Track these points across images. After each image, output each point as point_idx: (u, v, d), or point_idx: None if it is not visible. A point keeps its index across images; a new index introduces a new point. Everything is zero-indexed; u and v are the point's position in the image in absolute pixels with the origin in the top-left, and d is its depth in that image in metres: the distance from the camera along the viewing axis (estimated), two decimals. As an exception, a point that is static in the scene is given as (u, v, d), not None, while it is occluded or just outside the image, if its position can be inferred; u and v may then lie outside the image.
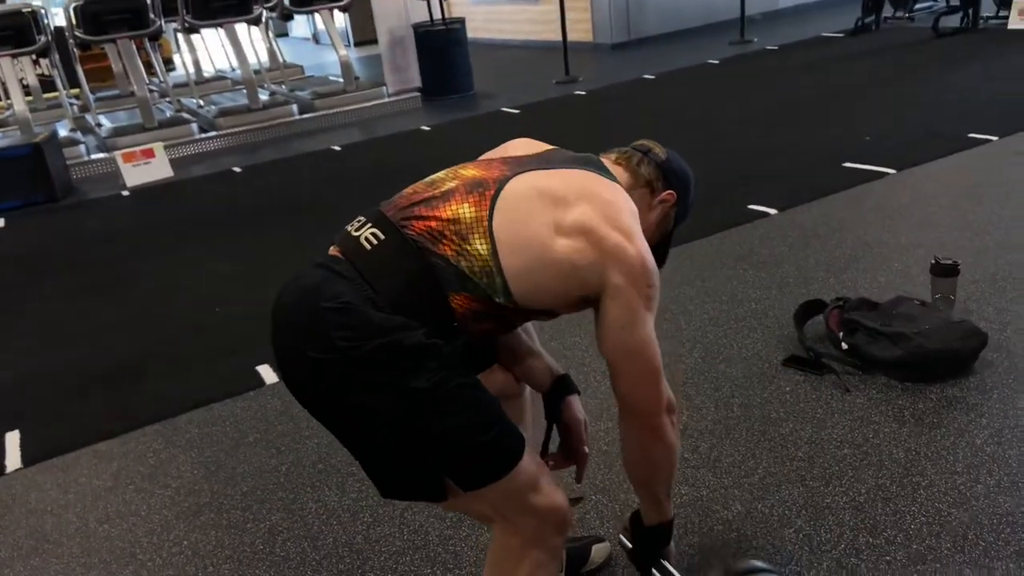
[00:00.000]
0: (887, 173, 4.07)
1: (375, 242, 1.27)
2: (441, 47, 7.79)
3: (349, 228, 1.33)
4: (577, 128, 6.05)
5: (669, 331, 2.76)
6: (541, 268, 1.26)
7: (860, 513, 1.88)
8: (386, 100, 7.72)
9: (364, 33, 10.41)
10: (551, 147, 1.48)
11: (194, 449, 2.50)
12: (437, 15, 7.68)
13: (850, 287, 2.94)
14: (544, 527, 1.31)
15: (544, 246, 1.25)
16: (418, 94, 7.86)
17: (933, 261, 2.64)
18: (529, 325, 1.59)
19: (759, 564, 1.41)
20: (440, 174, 1.38)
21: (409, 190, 1.37)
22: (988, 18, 7.80)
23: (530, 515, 1.29)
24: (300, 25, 14.74)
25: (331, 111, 7.41)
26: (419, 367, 1.19)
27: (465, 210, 1.27)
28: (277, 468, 2.35)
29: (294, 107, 7.43)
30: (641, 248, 1.29)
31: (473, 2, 11.09)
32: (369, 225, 1.30)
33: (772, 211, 3.75)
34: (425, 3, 7.56)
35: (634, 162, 1.47)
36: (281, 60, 9.11)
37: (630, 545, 1.61)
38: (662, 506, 1.49)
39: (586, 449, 1.57)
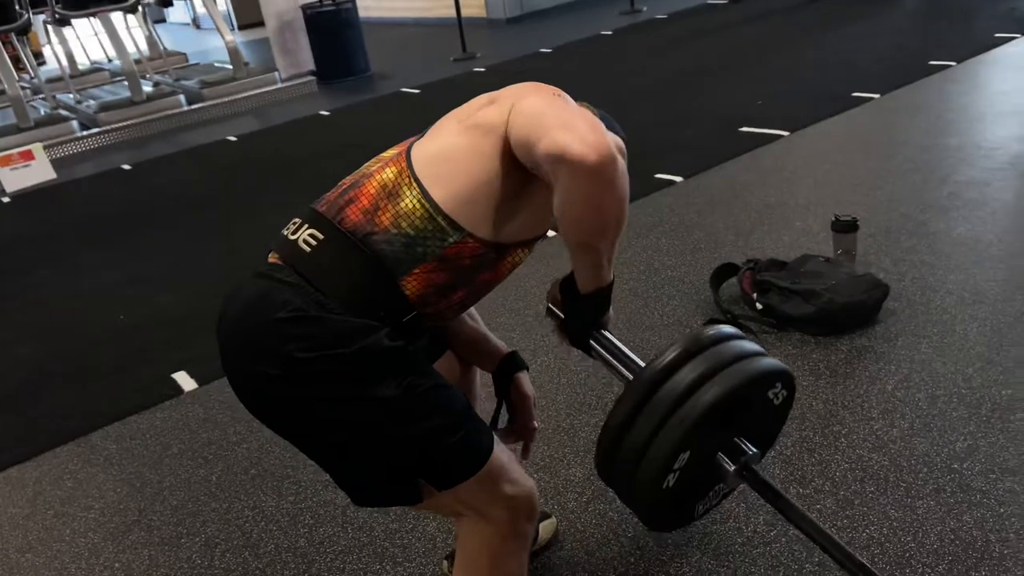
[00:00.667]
0: (781, 135, 4.22)
1: (314, 243, 1.22)
2: (333, 28, 7.59)
3: (286, 232, 1.28)
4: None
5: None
6: (465, 170, 1.18)
7: (789, 466, 1.97)
8: (279, 86, 7.49)
9: (248, 16, 10.04)
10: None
11: (114, 466, 2.39)
12: (326, -5, 7.48)
13: (757, 248, 3.05)
14: (517, 516, 1.31)
15: (456, 149, 1.21)
16: (312, 78, 7.65)
17: (833, 218, 2.76)
18: (472, 309, 1.58)
19: (727, 330, 1.25)
20: (366, 164, 1.35)
21: (341, 183, 1.33)
22: (861, -21, 8.15)
23: (503, 506, 1.29)
24: (178, 10, 14.09)
25: (222, 100, 7.14)
26: (385, 374, 1.16)
27: (388, 173, 1.23)
28: (207, 478, 2.28)
29: (181, 97, 7.12)
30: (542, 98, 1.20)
31: (361, -20, 10.83)
32: (306, 226, 1.25)
33: (678, 179, 3.84)
34: (312, -16, 7.36)
35: None
36: (162, 48, 8.69)
37: (562, 315, 1.40)
38: (603, 269, 1.26)
39: (536, 424, 1.58)
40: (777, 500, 1.23)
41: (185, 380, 2.79)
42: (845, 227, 2.74)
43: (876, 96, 4.61)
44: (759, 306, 2.58)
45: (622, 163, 1.12)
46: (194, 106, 7.05)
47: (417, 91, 6.80)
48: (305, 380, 1.15)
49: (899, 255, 2.85)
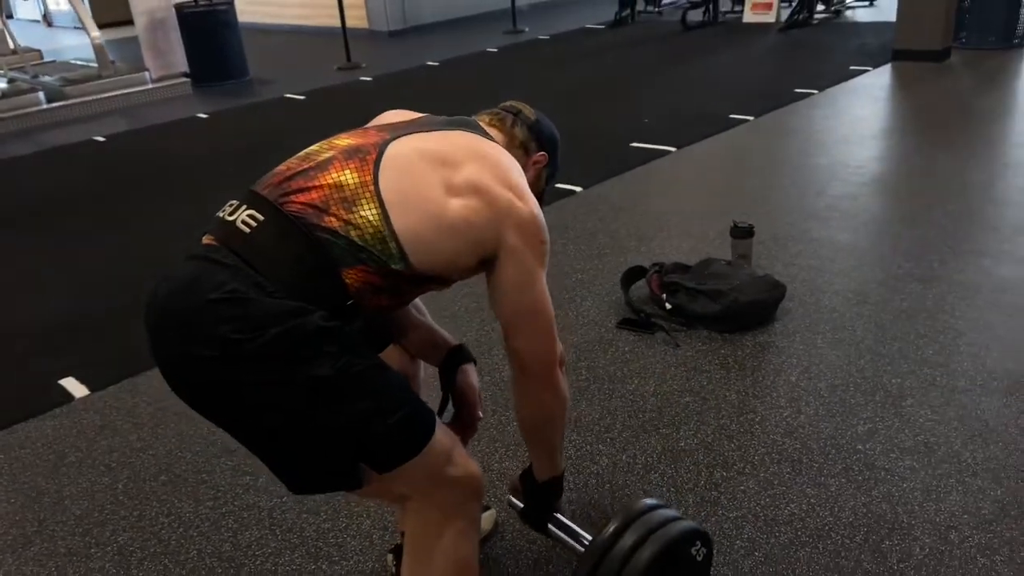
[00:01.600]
0: (669, 151, 4.44)
1: (254, 224, 1.18)
2: (209, 29, 7.32)
3: (221, 214, 1.24)
4: (374, 112, 5.94)
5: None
6: (436, 228, 1.21)
7: (711, 452, 2.07)
8: (150, 86, 7.13)
9: (106, 14, 9.47)
10: (422, 114, 1.47)
11: (3, 477, 2.20)
12: (202, -4, 7.21)
13: (660, 253, 3.19)
14: (463, 496, 1.31)
15: (437, 206, 1.22)
16: (187, 80, 7.33)
17: (732, 225, 2.93)
18: (418, 301, 1.57)
19: (651, 501, 1.48)
20: (312, 147, 1.31)
21: (282, 167, 1.28)
22: (726, 12, 8.71)
23: (448, 487, 1.28)
24: (26, 6, 13.16)
25: (87, 99, 6.72)
26: (320, 354, 1.13)
27: (347, 176, 1.21)
28: (112, 486, 2.13)
29: (40, 95, 6.65)
30: (532, 205, 1.31)
31: (234, -16, 10.49)
32: (244, 207, 1.21)
33: (578, 189, 3.95)
34: (189, -17, 7.07)
35: (508, 124, 1.47)
36: (14, 44, 8.08)
37: (521, 505, 1.62)
38: (554, 460, 1.49)
39: (480, 414, 1.59)
40: None
41: (74, 386, 2.60)
42: (743, 233, 2.91)
43: (751, 118, 4.93)
44: (668, 306, 2.70)
45: (561, 374, 1.40)
46: (55, 104, 6.59)
47: (302, 97, 6.65)
48: (239, 362, 1.11)
49: (788, 259, 3.06)
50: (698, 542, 1.43)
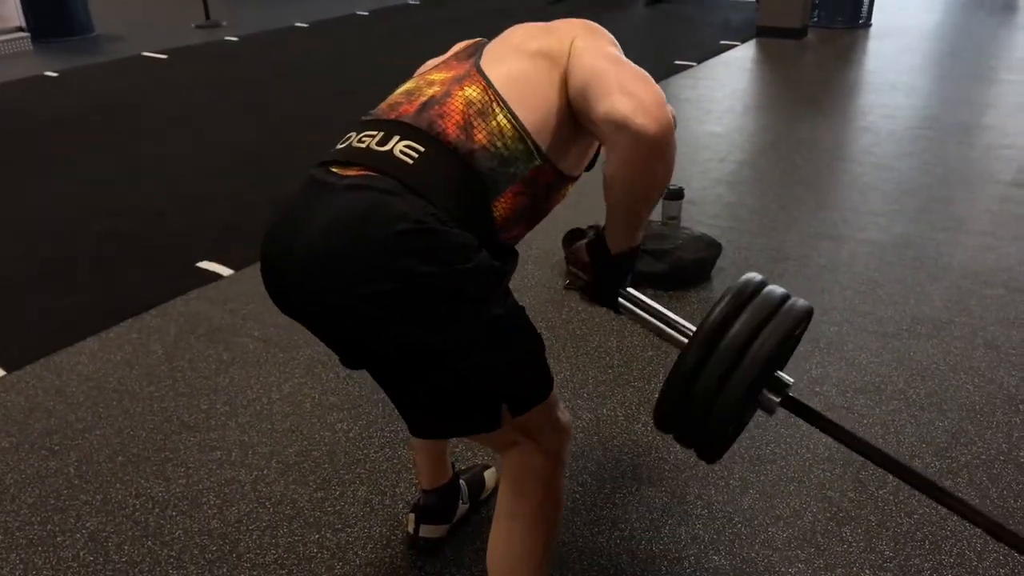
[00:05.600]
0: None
1: (415, 155, 1.13)
2: (48, -22, 6.63)
3: (364, 144, 1.16)
4: (254, 73, 5.63)
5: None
6: (536, 96, 1.18)
7: (685, 401, 2.16)
8: (-19, 40, 6.38)
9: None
10: (480, 38, 1.42)
11: (-77, 469, 1.95)
12: (41, -60, 6.51)
13: (589, 215, 3.24)
14: (564, 441, 1.33)
15: (527, 70, 1.20)
16: (25, 35, 6.62)
17: (664, 187, 3.04)
18: None
19: (759, 277, 1.27)
20: (409, 85, 1.26)
21: (388, 103, 1.23)
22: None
23: (556, 431, 1.30)
24: None
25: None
26: (495, 293, 1.14)
27: (471, 92, 1.18)
28: (62, 470, 1.95)
29: None
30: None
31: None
32: (397, 137, 1.14)
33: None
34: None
35: None
36: None
37: (585, 277, 1.46)
38: (638, 231, 1.32)
39: None
40: (820, 422, 1.32)
41: (-16, 367, 2.34)
42: (673, 195, 3.03)
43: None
44: (613, 265, 2.77)
45: (675, 133, 1.14)
46: None
47: (163, 56, 6.19)
48: (423, 296, 1.07)
49: (709, 222, 3.21)
50: (806, 323, 1.29)
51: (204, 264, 2.93)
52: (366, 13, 7.81)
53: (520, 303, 1.21)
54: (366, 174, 1.13)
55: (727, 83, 5.32)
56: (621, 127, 1.09)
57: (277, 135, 4.38)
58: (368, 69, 5.78)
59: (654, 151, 1.11)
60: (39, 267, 2.96)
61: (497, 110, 1.16)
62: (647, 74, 1.14)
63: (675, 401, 1.22)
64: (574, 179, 1.30)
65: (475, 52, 1.27)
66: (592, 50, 1.19)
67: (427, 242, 1.07)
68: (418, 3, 8.30)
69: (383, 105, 1.24)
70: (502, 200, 1.17)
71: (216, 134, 4.41)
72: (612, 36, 1.25)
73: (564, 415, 1.32)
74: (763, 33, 6.46)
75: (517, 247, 1.30)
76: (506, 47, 1.25)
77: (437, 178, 1.13)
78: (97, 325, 2.55)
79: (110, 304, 2.68)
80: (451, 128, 1.15)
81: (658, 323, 1.37)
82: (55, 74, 5.74)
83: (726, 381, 1.17)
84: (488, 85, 1.18)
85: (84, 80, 5.62)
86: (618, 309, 1.41)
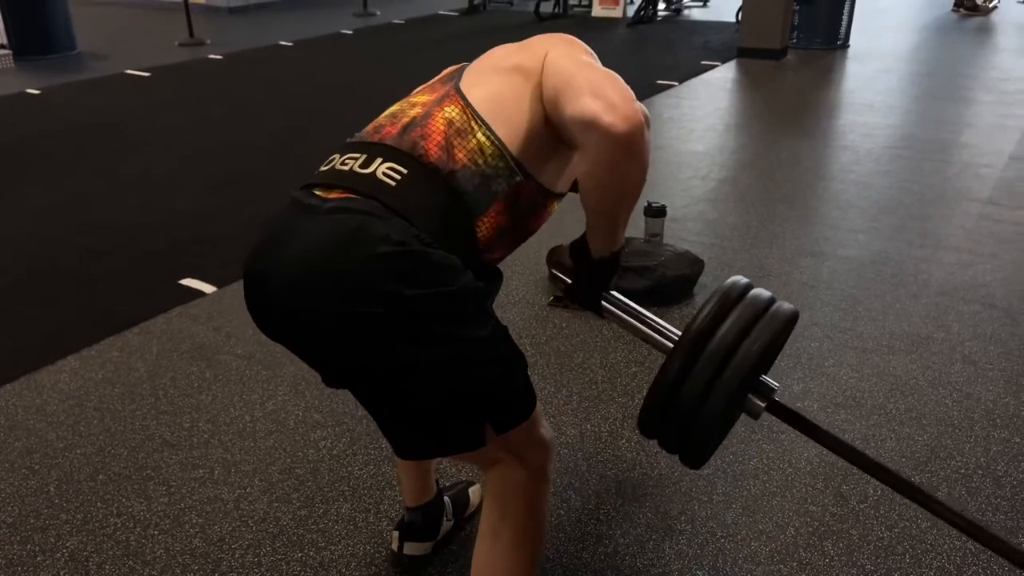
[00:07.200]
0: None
1: (398, 177, 1.14)
2: (30, -3, 6.62)
3: (347, 167, 1.17)
4: (238, 89, 5.64)
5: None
6: (515, 100, 1.20)
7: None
8: (-38, 57, 6.35)
9: None
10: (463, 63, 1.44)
11: (-101, 489, 1.92)
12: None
13: (572, 233, 3.27)
14: (548, 457, 1.33)
15: (499, 85, 1.22)
16: (7, 52, 6.59)
17: (647, 204, 3.07)
18: None
19: (745, 280, 1.31)
20: (395, 108, 1.28)
21: (373, 126, 1.25)
22: (574, 6, 9.02)
23: (540, 448, 1.31)
24: None
25: None
26: (481, 313, 1.15)
27: (450, 112, 1.19)
28: (41, 489, 1.93)
29: None
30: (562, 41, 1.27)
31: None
32: (380, 160, 1.16)
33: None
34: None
35: None
36: None
37: (568, 280, 1.45)
38: (619, 234, 1.30)
39: None
40: (806, 426, 1.34)
41: (-39, 385, 2.32)
42: (656, 212, 3.06)
43: (623, 106, 5.13)
44: (596, 282, 2.78)
45: (648, 133, 1.12)
46: None
47: (146, 74, 6.19)
48: (408, 318, 1.08)
49: (692, 238, 3.24)
50: (792, 327, 1.30)
51: (187, 281, 2.92)
52: (350, 32, 7.84)
53: (504, 319, 1.22)
54: (348, 196, 1.14)
55: (708, 102, 5.38)
56: (590, 126, 1.08)
57: (261, 153, 4.38)
58: (352, 88, 5.80)
59: (625, 150, 1.09)
60: (19, 284, 2.94)
61: (476, 128, 1.18)
62: (616, 75, 1.14)
63: (660, 408, 1.21)
64: (558, 196, 1.31)
65: (456, 75, 1.28)
66: (564, 57, 1.20)
67: (410, 264, 1.08)
68: (403, 23, 8.35)
69: (368, 127, 1.26)
70: (486, 220, 1.19)
71: (199, 151, 4.41)
72: (588, 47, 1.26)
73: (547, 432, 1.33)
74: (743, 54, 6.56)
75: (501, 266, 1.32)
76: (484, 67, 1.27)
77: (420, 199, 1.14)
78: (78, 343, 2.54)
79: (92, 321, 2.66)
80: (433, 148, 1.16)
81: (643, 327, 1.37)
82: (37, 91, 5.73)
83: (712, 387, 1.17)
84: (466, 105, 1.20)
85: (66, 97, 5.61)
86: (601, 312, 1.41)
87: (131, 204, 3.68)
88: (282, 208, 1.19)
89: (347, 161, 1.19)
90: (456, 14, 8.84)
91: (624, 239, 1.33)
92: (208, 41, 7.34)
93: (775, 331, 1.21)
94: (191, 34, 7.33)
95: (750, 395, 1.29)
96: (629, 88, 1.11)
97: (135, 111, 5.24)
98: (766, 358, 1.23)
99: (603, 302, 1.40)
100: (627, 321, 1.39)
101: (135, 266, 3.07)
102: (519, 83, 1.22)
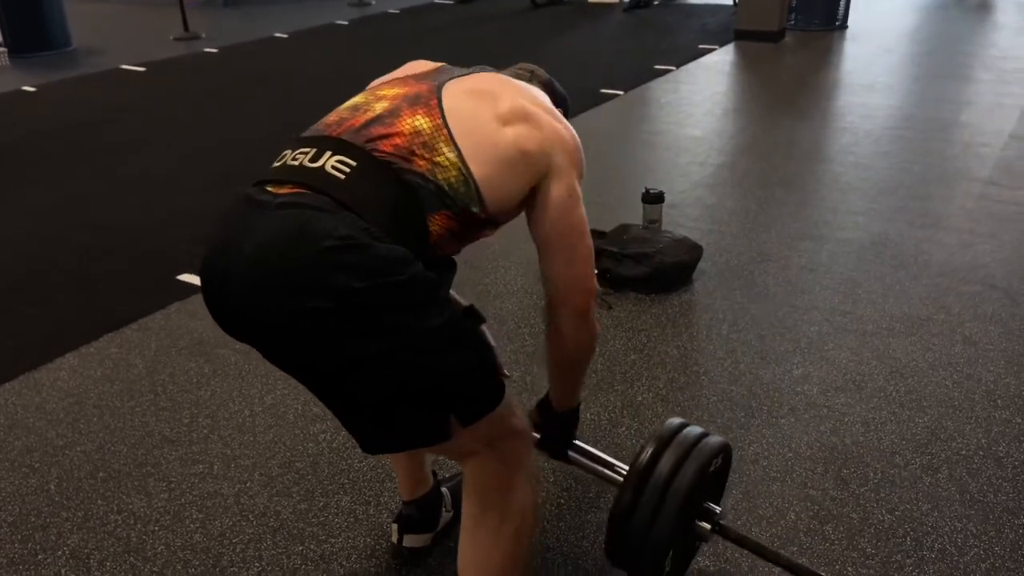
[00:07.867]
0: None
1: (347, 170, 1.13)
2: (25, -7, 6.59)
3: (297, 162, 1.16)
4: (233, 84, 5.61)
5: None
6: (499, 163, 1.21)
7: (667, 403, 2.17)
8: (-42, 56, 6.34)
9: None
10: (441, 63, 1.44)
11: (-100, 490, 1.93)
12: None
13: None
14: (524, 446, 1.33)
15: (495, 139, 1.22)
16: (3, 50, 6.58)
17: (644, 191, 3.05)
18: None
19: (678, 421, 1.54)
20: (358, 99, 1.27)
21: (334, 117, 1.24)
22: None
23: (514, 438, 1.30)
24: None
25: None
26: (433, 303, 1.13)
27: (420, 122, 1.18)
28: (42, 487, 1.93)
29: None
30: (571, 130, 1.33)
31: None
32: (329, 153, 1.15)
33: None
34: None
35: (525, 78, 1.48)
36: None
37: (537, 435, 1.59)
38: (577, 391, 1.54)
39: (507, 373, 1.59)
40: (751, 545, 1.52)
41: (-40, 385, 2.32)
42: (654, 198, 3.04)
43: (621, 93, 5.12)
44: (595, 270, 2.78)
45: (594, 307, 1.37)
46: None
47: (142, 69, 6.16)
48: (358, 311, 1.07)
49: (690, 224, 3.23)
50: (721, 456, 1.51)
51: (184, 277, 2.91)
52: (346, 23, 7.81)
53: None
54: (299, 191, 1.13)
55: (706, 86, 5.35)
56: (576, 314, 1.33)
57: (258, 146, 4.36)
58: (348, 78, 5.76)
59: (586, 322, 1.34)
60: (17, 282, 2.93)
61: (444, 149, 1.17)
62: (587, 234, 1.34)
63: (618, 537, 1.44)
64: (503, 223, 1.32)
65: (436, 80, 1.27)
66: (562, 207, 1.28)
67: (358, 257, 1.06)
68: (398, 12, 8.31)
69: (330, 118, 1.24)
70: (437, 218, 1.18)
71: (195, 146, 4.39)
72: (576, 141, 1.33)
73: (521, 422, 1.32)
74: (741, 36, 6.51)
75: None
76: (474, 95, 1.26)
77: (369, 192, 1.13)
78: (77, 340, 2.54)
79: (90, 318, 2.66)
80: (386, 146, 1.16)
81: (602, 468, 1.61)
82: (33, 89, 5.71)
83: (657, 516, 1.39)
84: (444, 123, 1.19)
85: (62, 94, 5.59)
86: (568, 459, 1.63)
87: (127, 200, 3.67)
88: (235, 203, 1.18)
89: (298, 156, 1.18)
90: (451, 2, 8.79)
91: (581, 395, 1.57)
92: (203, 35, 7.31)
93: (703, 462, 1.43)
94: (186, 28, 7.30)
95: (696, 520, 1.49)
96: (592, 254, 1.35)
97: (130, 107, 5.22)
98: (702, 487, 1.44)
99: (571, 452, 1.62)
100: (590, 466, 1.62)
101: (132, 262, 3.06)
102: (517, 162, 1.23)
